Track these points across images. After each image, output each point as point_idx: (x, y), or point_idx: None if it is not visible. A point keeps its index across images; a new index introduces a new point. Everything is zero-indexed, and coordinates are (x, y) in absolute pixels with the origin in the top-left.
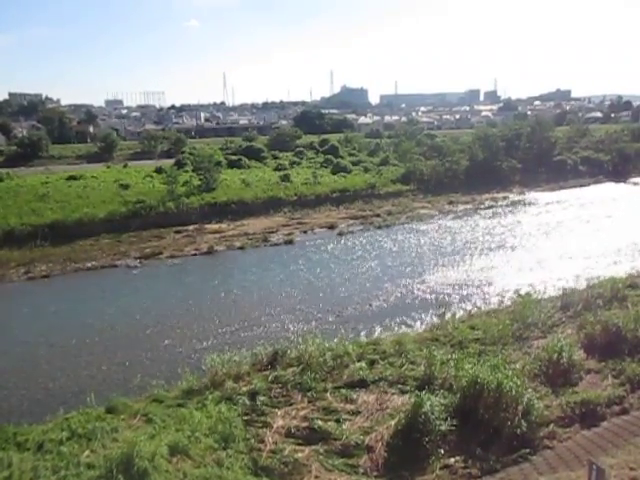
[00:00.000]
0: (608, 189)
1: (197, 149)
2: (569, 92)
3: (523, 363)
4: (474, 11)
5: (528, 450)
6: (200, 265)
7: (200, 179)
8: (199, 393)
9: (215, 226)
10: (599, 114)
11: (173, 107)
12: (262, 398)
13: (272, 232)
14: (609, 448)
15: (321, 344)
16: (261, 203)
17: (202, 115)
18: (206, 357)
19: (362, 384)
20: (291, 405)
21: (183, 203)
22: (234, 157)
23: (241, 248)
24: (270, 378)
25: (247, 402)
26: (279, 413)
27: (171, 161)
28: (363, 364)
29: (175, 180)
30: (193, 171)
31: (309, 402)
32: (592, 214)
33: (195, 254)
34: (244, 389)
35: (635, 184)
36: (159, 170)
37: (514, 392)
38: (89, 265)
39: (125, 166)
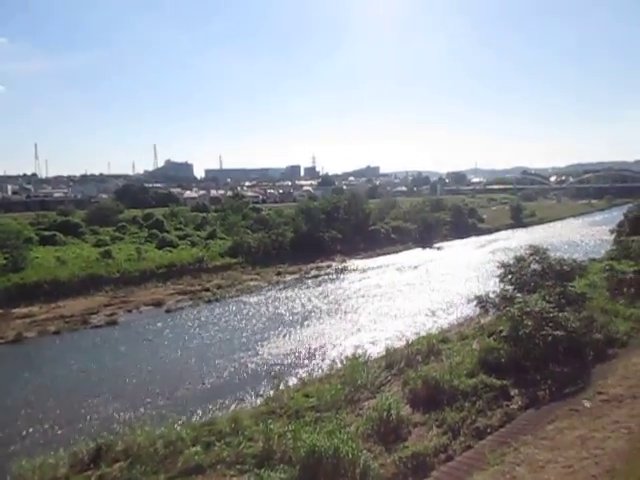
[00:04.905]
0: (417, 254)
1: (2, 224)
2: (378, 168)
3: (357, 425)
4: (292, 91)
5: None
6: (4, 356)
7: (6, 258)
8: None
9: (24, 310)
10: (404, 188)
11: None
12: None
13: (93, 313)
14: None
15: (151, 432)
16: (79, 282)
17: (9, 187)
18: (12, 465)
19: (199, 470)
20: None
21: None
22: (47, 233)
23: (56, 333)
24: (93, 479)
25: None
26: None
27: None
28: (198, 448)
29: None
30: None
31: None
32: (406, 277)
33: None
34: None
35: (438, 249)
36: None
37: (351, 456)
38: None
39: None
